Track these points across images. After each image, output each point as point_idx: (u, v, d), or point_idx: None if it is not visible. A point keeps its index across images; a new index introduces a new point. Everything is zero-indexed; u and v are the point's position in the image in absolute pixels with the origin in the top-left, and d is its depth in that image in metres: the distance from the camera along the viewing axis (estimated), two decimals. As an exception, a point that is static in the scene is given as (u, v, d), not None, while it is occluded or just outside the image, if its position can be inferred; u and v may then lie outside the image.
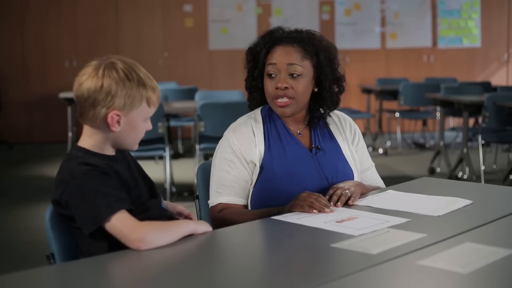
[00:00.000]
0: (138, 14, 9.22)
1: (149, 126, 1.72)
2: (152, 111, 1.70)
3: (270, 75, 2.03)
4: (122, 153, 1.76)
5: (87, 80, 1.64)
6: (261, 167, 2.01)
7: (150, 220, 1.60)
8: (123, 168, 1.70)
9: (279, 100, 2.02)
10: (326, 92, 2.08)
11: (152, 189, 1.80)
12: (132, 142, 1.71)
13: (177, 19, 9.30)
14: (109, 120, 1.64)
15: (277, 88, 2.01)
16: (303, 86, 2.03)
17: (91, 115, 1.65)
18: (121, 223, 1.52)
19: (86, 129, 1.70)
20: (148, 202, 1.74)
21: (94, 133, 1.68)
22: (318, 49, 2.04)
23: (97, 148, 1.68)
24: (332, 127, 2.15)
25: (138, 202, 1.69)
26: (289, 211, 1.83)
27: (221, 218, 1.99)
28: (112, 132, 1.66)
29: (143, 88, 1.65)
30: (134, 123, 1.67)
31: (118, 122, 1.65)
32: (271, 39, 2.06)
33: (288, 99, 2.02)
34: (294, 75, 2.01)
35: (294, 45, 2.03)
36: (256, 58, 2.07)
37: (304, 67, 2.02)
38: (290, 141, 2.06)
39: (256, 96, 2.12)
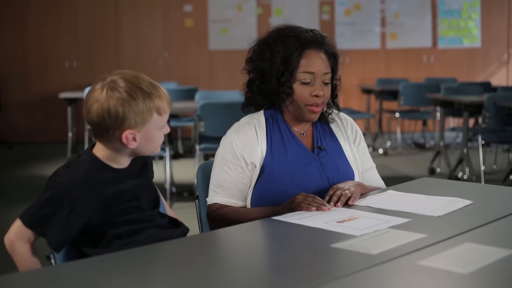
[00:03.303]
0: (138, 14, 9.22)
1: (166, 130, 1.73)
2: (165, 118, 1.70)
3: (305, 82, 2.02)
4: (143, 161, 1.78)
5: (93, 105, 1.64)
6: (262, 168, 2.01)
7: (152, 229, 1.71)
8: (128, 183, 1.71)
9: (315, 107, 2.03)
10: (333, 92, 2.12)
11: (156, 198, 1.82)
12: (152, 150, 1.74)
13: (177, 19, 9.30)
14: (124, 140, 1.65)
15: (315, 96, 2.02)
16: (330, 91, 2.08)
17: (106, 137, 1.67)
18: (16, 228, 1.66)
19: (104, 145, 1.71)
20: (150, 213, 1.75)
21: (110, 148, 1.70)
22: (334, 53, 2.09)
23: (110, 159, 1.70)
24: (334, 128, 2.16)
25: (134, 213, 1.71)
26: (286, 213, 1.83)
27: (217, 216, 2.01)
28: (129, 148, 1.68)
29: (149, 101, 1.65)
30: (150, 135, 1.69)
31: (134, 139, 1.66)
32: (300, 42, 2.01)
33: (320, 106, 2.05)
34: (327, 82, 2.04)
35: (321, 49, 2.05)
36: (285, 62, 2.01)
37: (330, 73, 2.07)
38: (292, 142, 2.06)
39: (284, 98, 2.04)
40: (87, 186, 1.63)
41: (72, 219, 1.62)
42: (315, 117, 2.07)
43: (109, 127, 1.64)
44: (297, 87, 2.03)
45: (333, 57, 2.08)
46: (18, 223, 1.64)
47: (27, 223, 1.63)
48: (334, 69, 2.09)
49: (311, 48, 2.03)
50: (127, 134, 1.65)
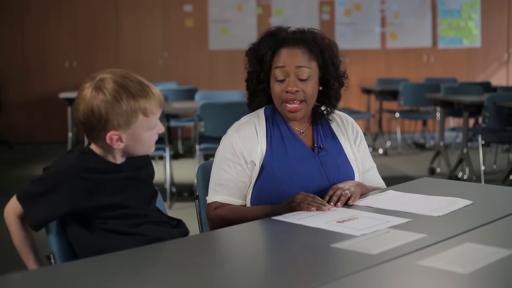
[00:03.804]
0: (138, 14, 9.22)
1: (159, 129, 1.74)
2: (153, 119, 1.70)
3: (279, 79, 2.02)
4: (141, 158, 1.78)
5: (80, 104, 1.67)
6: (262, 167, 2.01)
7: (145, 225, 1.72)
8: (118, 174, 1.72)
9: (289, 105, 2.02)
10: (330, 91, 2.09)
11: (152, 194, 1.82)
12: (144, 150, 1.74)
13: (177, 19, 9.30)
14: (108, 140, 1.67)
15: (287, 92, 2.00)
16: (312, 88, 2.03)
17: (94, 137, 1.70)
18: (12, 204, 1.72)
19: (94, 144, 1.74)
20: (144, 209, 1.76)
21: (100, 146, 1.72)
22: (322, 48, 2.05)
23: (105, 156, 1.72)
24: (335, 127, 2.16)
25: (123, 209, 1.71)
26: (286, 213, 1.83)
27: (216, 215, 2.00)
28: (117, 148, 1.69)
29: (134, 102, 1.65)
30: (137, 136, 1.69)
31: (120, 139, 1.67)
32: (275, 40, 2.04)
33: (299, 103, 2.02)
34: (303, 78, 2.01)
35: (300, 46, 2.02)
36: (261, 61, 2.05)
37: (312, 69, 2.03)
38: (293, 141, 2.06)
39: (263, 99, 2.09)
40: (71, 174, 1.65)
41: (54, 203, 1.65)
42: (294, 116, 2.04)
43: (94, 127, 1.66)
44: (273, 85, 2.04)
45: (319, 54, 2.04)
46: (13, 198, 1.72)
47: (19, 198, 1.70)
48: (325, 66, 2.06)
49: (285, 46, 2.03)
50: (111, 135, 1.66)
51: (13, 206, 1.71)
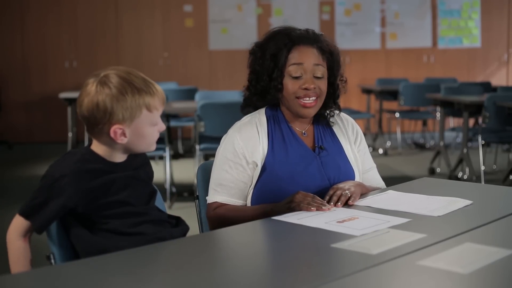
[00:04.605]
0: (138, 14, 9.22)
1: (161, 127, 1.75)
2: (156, 114, 1.72)
3: (295, 76, 2.02)
4: (141, 158, 1.79)
5: (84, 100, 1.68)
6: (263, 167, 2.01)
7: (145, 224, 1.72)
8: (118, 173, 1.72)
9: (306, 101, 2.02)
10: (336, 92, 2.11)
11: (151, 193, 1.82)
12: (145, 147, 1.75)
13: (177, 19, 9.30)
14: (112, 134, 1.68)
15: (304, 89, 2.01)
16: (325, 86, 2.06)
17: (97, 132, 1.70)
18: (14, 223, 1.68)
19: (96, 140, 1.74)
20: (143, 207, 1.76)
21: (103, 143, 1.72)
22: (331, 49, 2.07)
23: (106, 154, 1.72)
24: (335, 128, 2.16)
25: (123, 207, 1.72)
26: (285, 212, 1.83)
27: (216, 215, 2.01)
28: (120, 144, 1.69)
29: (139, 97, 1.67)
30: (140, 131, 1.70)
31: (123, 134, 1.68)
32: (289, 38, 2.04)
33: (314, 100, 2.03)
34: (319, 76, 2.03)
35: (313, 45, 2.05)
36: (274, 57, 2.04)
37: (325, 68, 2.05)
38: (294, 141, 2.06)
39: (277, 95, 2.06)
40: (74, 176, 1.65)
41: (60, 207, 1.65)
42: (309, 112, 2.05)
43: (98, 121, 1.67)
44: (287, 82, 2.04)
45: (329, 54, 2.07)
46: (16, 217, 1.69)
47: (23, 213, 1.67)
48: (332, 67, 2.08)
49: (301, 44, 2.04)
50: (115, 129, 1.67)
51: (16, 225, 1.67)
